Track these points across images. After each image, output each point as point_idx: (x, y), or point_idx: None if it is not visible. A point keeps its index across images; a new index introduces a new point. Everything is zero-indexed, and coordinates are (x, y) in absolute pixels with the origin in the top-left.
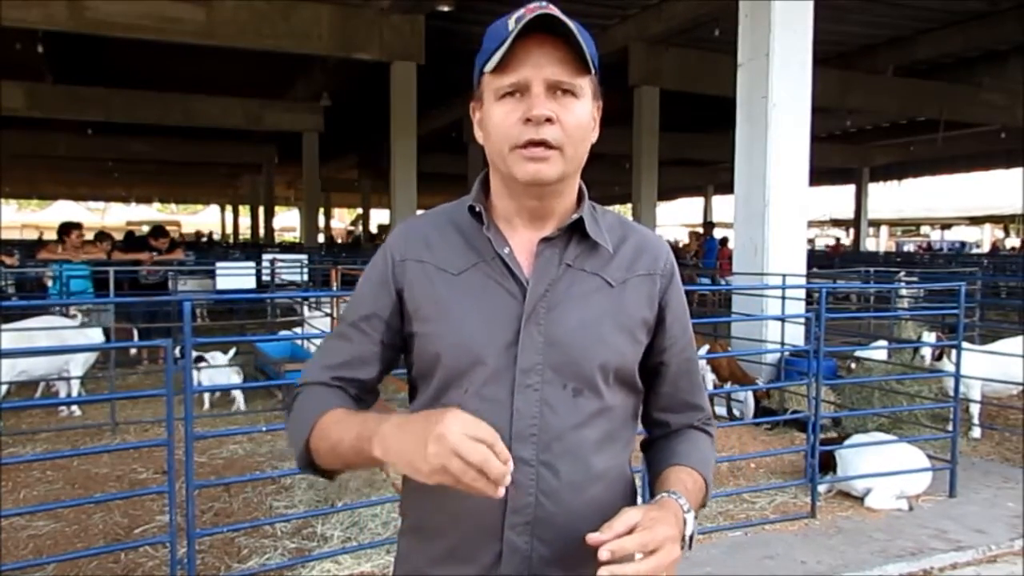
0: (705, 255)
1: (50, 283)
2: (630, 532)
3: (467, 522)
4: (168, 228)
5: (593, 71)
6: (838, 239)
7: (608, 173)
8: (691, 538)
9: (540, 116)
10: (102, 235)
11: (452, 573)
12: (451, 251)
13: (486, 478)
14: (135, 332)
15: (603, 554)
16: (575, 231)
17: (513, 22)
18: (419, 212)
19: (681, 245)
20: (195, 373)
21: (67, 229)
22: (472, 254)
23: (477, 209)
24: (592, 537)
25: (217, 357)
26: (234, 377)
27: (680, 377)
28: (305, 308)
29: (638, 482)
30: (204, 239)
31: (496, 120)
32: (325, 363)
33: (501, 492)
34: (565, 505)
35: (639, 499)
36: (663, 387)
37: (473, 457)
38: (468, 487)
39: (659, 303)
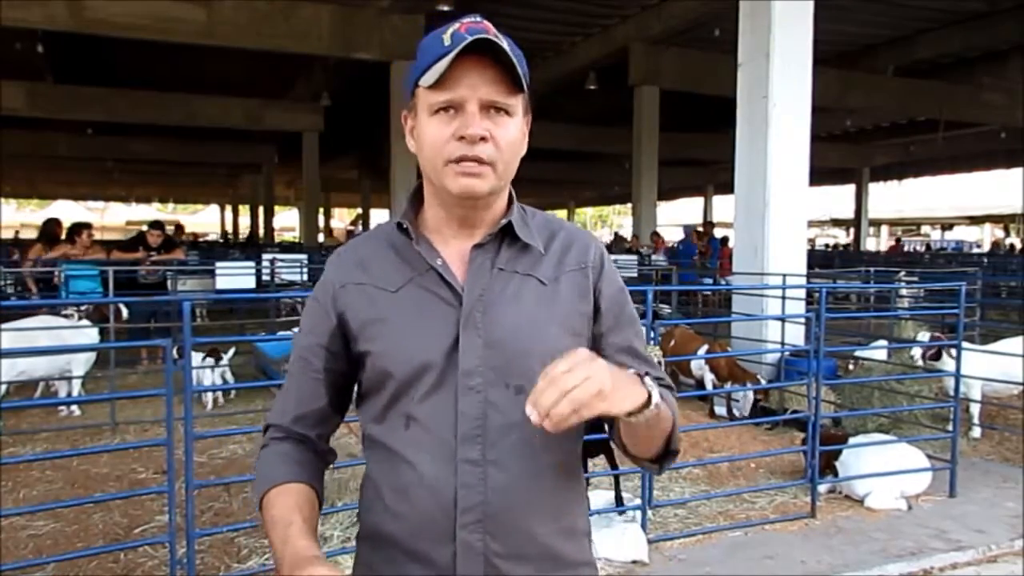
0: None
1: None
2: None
3: (419, 526)
4: (168, 228)
5: (525, 89)
6: (898, 239)
7: (608, 173)
8: (656, 404)
9: (475, 135)
10: (78, 227)
11: (409, 571)
12: (387, 269)
13: None
14: (123, 310)
15: (529, 411)
16: (505, 235)
17: (448, 38)
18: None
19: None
20: (208, 372)
21: (78, 229)
22: (407, 269)
23: (404, 226)
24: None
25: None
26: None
27: (620, 355)
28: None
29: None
30: (203, 241)
31: (430, 135)
32: (283, 403)
33: None
34: (514, 501)
35: (589, 493)
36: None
37: None
38: None
39: (594, 294)
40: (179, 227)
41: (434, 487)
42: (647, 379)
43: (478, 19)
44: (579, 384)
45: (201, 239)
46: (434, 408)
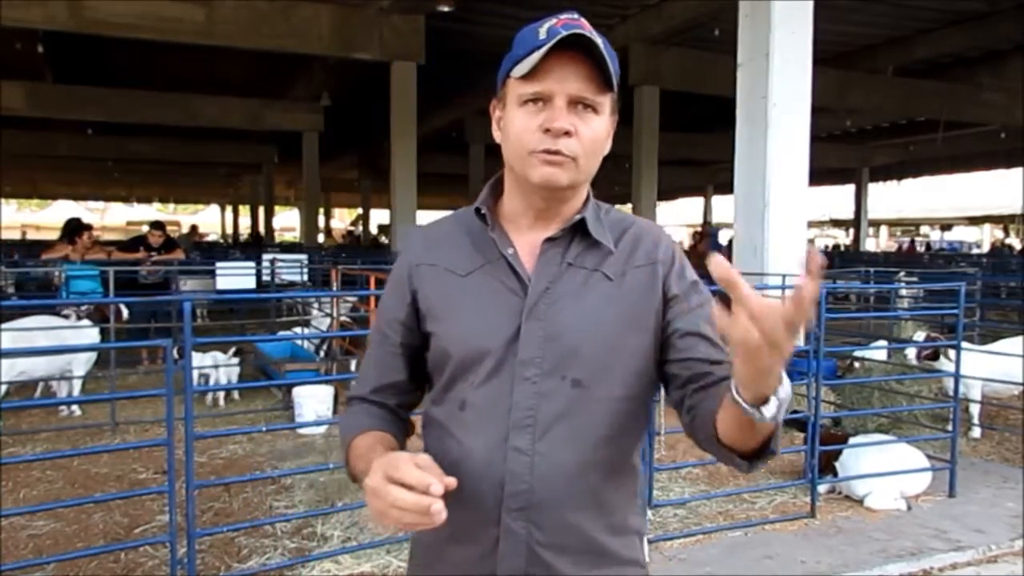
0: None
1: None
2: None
3: (469, 507)
4: (169, 228)
5: (614, 88)
6: (912, 240)
7: (608, 173)
8: (776, 412)
9: (559, 129)
10: (79, 228)
11: (457, 551)
12: (460, 254)
13: (420, 514)
14: (123, 310)
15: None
16: (577, 231)
17: (544, 32)
18: (418, 213)
19: (687, 246)
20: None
21: (79, 230)
22: (478, 256)
23: (482, 211)
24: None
25: (218, 357)
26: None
27: (690, 336)
28: (315, 308)
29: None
30: (203, 241)
31: (517, 125)
32: (365, 374)
33: (439, 519)
34: (559, 492)
35: (645, 492)
36: (676, 354)
37: (402, 503)
38: (409, 527)
39: (663, 288)
40: (194, 228)
41: (483, 471)
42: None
43: (575, 16)
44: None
45: (202, 239)
46: (489, 394)
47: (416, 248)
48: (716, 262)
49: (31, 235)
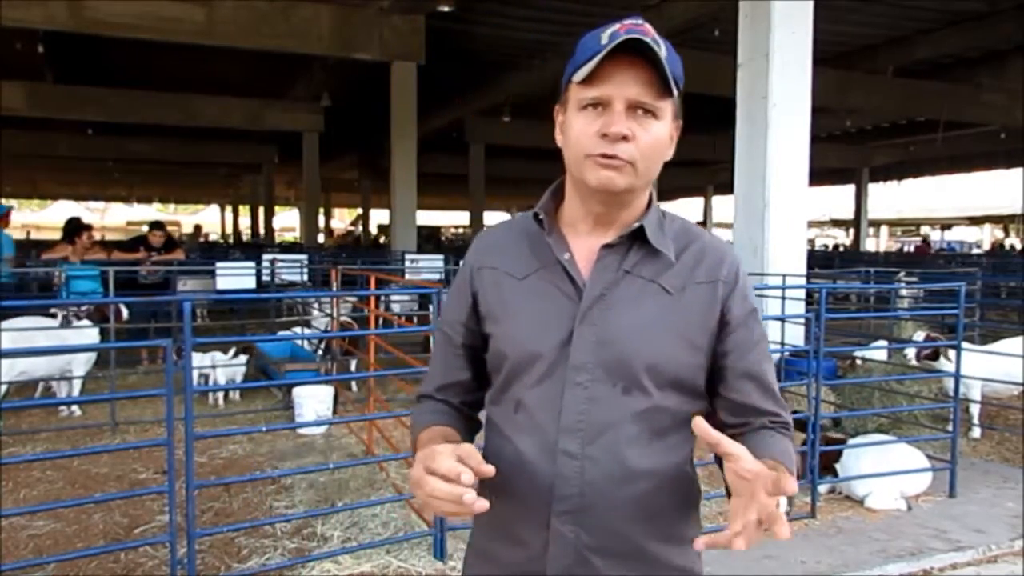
0: None
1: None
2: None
3: (519, 508)
4: (169, 228)
5: (676, 93)
6: (926, 239)
7: None
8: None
9: (617, 134)
10: (78, 228)
11: (507, 552)
12: (518, 257)
13: (454, 503)
14: (123, 311)
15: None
16: (637, 238)
17: (606, 37)
18: (418, 213)
19: None
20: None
21: (78, 230)
22: (535, 260)
23: (540, 217)
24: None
25: (216, 357)
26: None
27: (743, 380)
28: (315, 308)
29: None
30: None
31: (576, 129)
32: (431, 373)
33: (475, 508)
34: (609, 498)
35: (702, 499)
36: (728, 392)
37: (437, 493)
38: (449, 515)
39: (721, 309)
40: (198, 228)
41: (533, 473)
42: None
43: (639, 21)
44: (761, 529)
45: (207, 239)
46: (541, 397)
47: (478, 251)
48: (699, 425)
49: (31, 235)
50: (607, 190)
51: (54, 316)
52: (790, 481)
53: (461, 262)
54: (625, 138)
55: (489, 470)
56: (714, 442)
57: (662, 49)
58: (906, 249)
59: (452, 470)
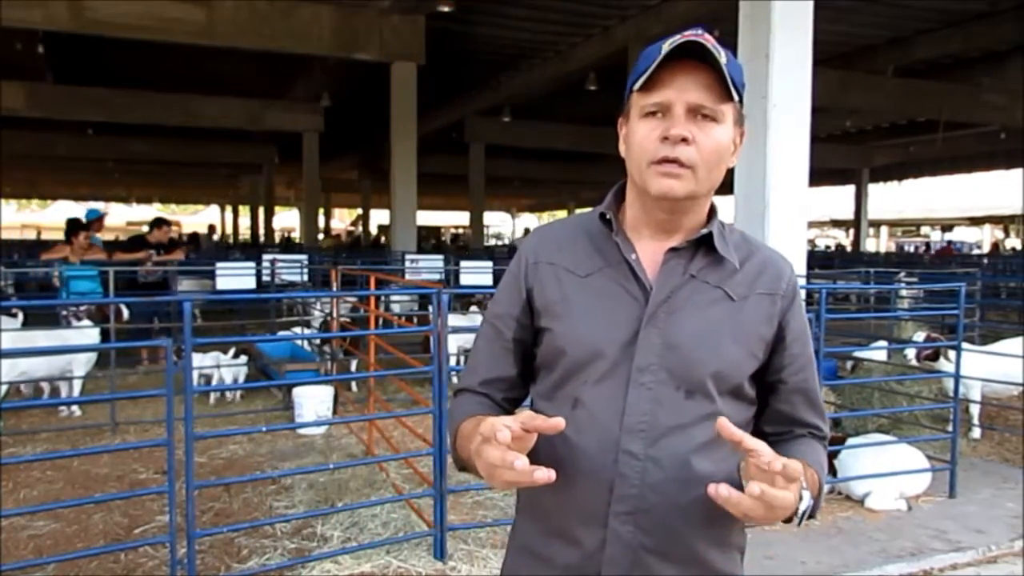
0: None
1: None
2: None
3: (575, 507)
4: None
5: (737, 99)
6: (949, 243)
7: (608, 173)
8: (802, 515)
9: (677, 136)
10: (76, 227)
11: (559, 551)
12: (580, 255)
13: (514, 474)
14: (123, 311)
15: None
16: (702, 245)
17: (667, 46)
18: (418, 213)
19: None
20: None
21: (75, 230)
22: (599, 259)
23: (608, 216)
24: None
25: (219, 357)
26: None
27: (795, 395)
28: (315, 308)
29: None
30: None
31: (638, 136)
32: (473, 367)
33: (543, 476)
34: (669, 500)
35: None
36: (778, 404)
37: (490, 459)
38: (510, 484)
39: (779, 323)
40: (212, 227)
41: (593, 471)
42: (804, 490)
43: (700, 31)
44: (758, 515)
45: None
46: (603, 396)
47: (534, 246)
48: (722, 424)
49: (31, 235)
50: (669, 198)
51: (66, 317)
52: (814, 480)
53: (514, 256)
54: (685, 140)
55: (559, 423)
56: (737, 440)
57: (722, 55)
58: (906, 249)
59: (494, 431)
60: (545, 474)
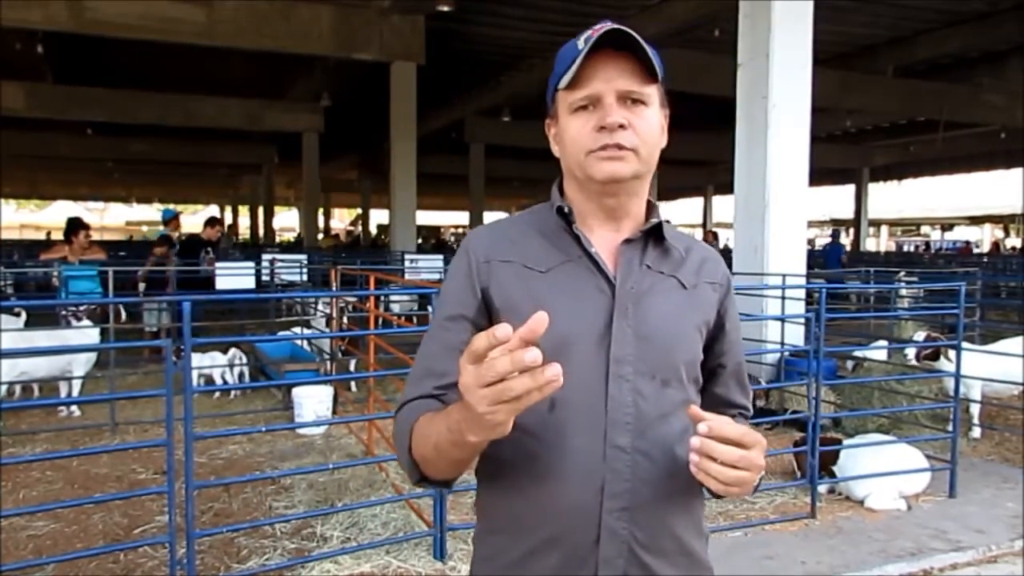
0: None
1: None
2: (732, 443)
3: (565, 510)
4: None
5: (660, 80)
6: (967, 242)
7: None
8: (759, 484)
9: (614, 123)
10: (75, 227)
11: (549, 561)
12: (536, 252)
13: (528, 377)
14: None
15: (695, 442)
16: (651, 236)
17: (582, 41)
18: (418, 213)
19: None
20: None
21: (74, 229)
22: (558, 253)
23: (566, 210)
24: (700, 425)
25: (217, 357)
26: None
27: (731, 379)
28: (319, 306)
29: None
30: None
31: (572, 131)
32: (424, 372)
33: (559, 375)
34: (658, 492)
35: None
36: (715, 388)
37: (498, 370)
38: (529, 397)
39: (719, 310)
40: (231, 227)
41: (583, 471)
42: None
43: (609, 23)
44: (746, 478)
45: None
46: (583, 392)
47: (483, 245)
48: (694, 412)
49: (31, 235)
50: (616, 180)
51: (18, 315)
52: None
53: (457, 256)
54: (622, 126)
55: (542, 318)
56: (701, 419)
57: (640, 40)
58: (906, 248)
59: (489, 335)
60: (556, 369)
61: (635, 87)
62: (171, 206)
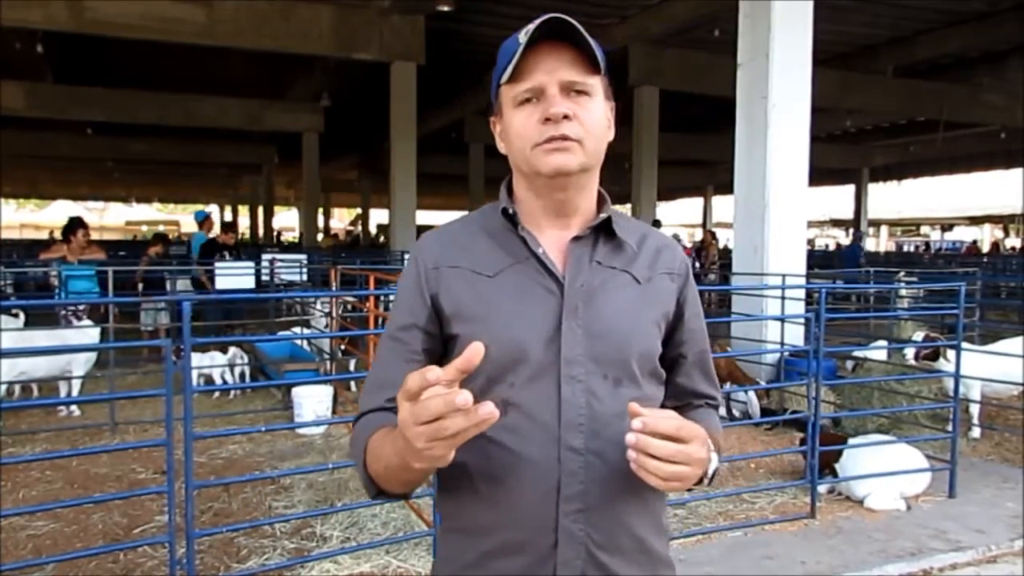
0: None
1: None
2: (669, 437)
3: (522, 515)
4: (168, 228)
5: (603, 72)
6: (974, 241)
7: (608, 173)
8: (712, 476)
9: (558, 114)
10: (74, 226)
11: (507, 564)
12: (484, 255)
13: (461, 417)
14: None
15: (631, 438)
16: (601, 231)
17: (523, 35)
18: (418, 213)
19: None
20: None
21: (73, 228)
22: (506, 256)
23: (511, 211)
24: (635, 421)
25: (216, 357)
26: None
27: (694, 368)
28: (318, 306)
29: None
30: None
31: (516, 125)
32: (377, 384)
33: (494, 412)
34: (615, 491)
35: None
36: (678, 378)
37: (432, 411)
38: (466, 433)
39: (678, 299)
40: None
41: (538, 474)
42: (712, 452)
43: (551, 14)
44: (685, 473)
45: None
46: (536, 395)
47: (431, 251)
48: (633, 408)
49: (30, 235)
50: (563, 173)
51: (16, 315)
52: (718, 444)
53: (407, 265)
54: (567, 117)
55: (478, 349)
56: (637, 415)
57: (580, 28)
58: (906, 248)
59: (420, 377)
60: (490, 408)
61: (578, 77)
62: (202, 207)
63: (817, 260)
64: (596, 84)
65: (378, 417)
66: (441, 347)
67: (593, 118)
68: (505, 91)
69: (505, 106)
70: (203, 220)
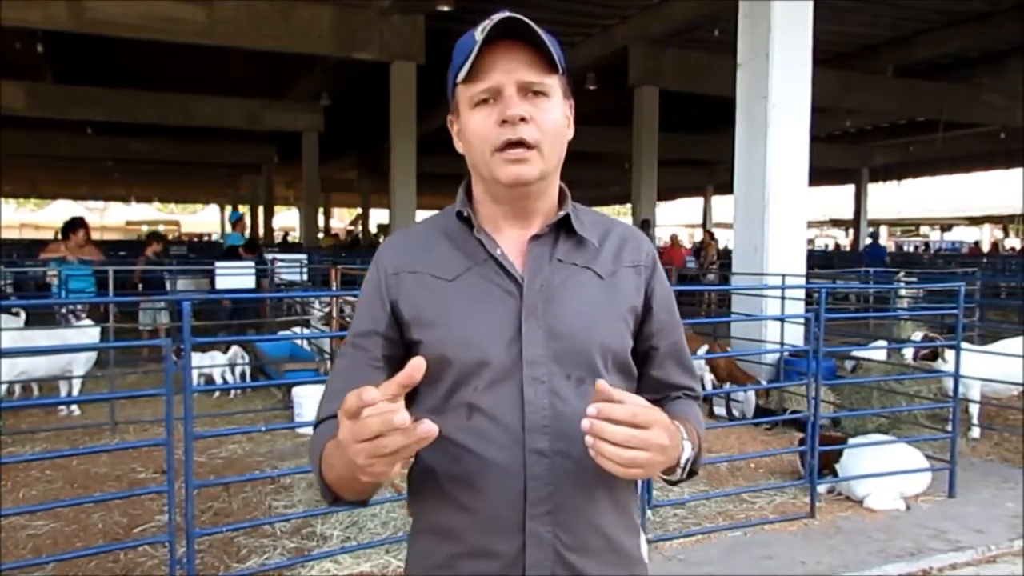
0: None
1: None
2: (626, 421)
3: (487, 517)
4: (168, 228)
5: (561, 71)
6: (976, 242)
7: (608, 173)
8: (685, 465)
9: (515, 116)
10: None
11: (477, 566)
12: (443, 259)
13: (400, 435)
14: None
15: (585, 424)
16: (562, 228)
17: (480, 32)
18: (418, 213)
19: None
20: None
21: (72, 227)
22: (464, 259)
23: (465, 214)
24: (590, 407)
25: (216, 357)
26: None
27: (667, 360)
28: (316, 305)
29: None
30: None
31: (474, 127)
32: (336, 392)
33: (432, 430)
34: (582, 491)
35: (644, 492)
36: (652, 371)
37: (371, 429)
38: (407, 450)
39: (645, 291)
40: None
41: (504, 478)
42: (684, 440)
43: (506, 11)
44: (644, 459)
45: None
46: (499, 398)
47: (391, 257)
48: (601, 387)
49: (30, 234)
50: (521, 184)
51: (16, 315)
52: (695, 435)
53: (369, 271)
54: (524, 120)
55: (419, 364)
56: (607, 396)
57: (539, 29)
58: (905, 249)
59: (356, 397)
60: (428, 427)
61: (535, 78)
62: (239, 208)
63: (817, 260)
64: (554, 84)
65: (334, 425)
66: (402, 353)
67: (551, 119)
68: (462, 90)
69: (462, 106)
70: (236, 221)
